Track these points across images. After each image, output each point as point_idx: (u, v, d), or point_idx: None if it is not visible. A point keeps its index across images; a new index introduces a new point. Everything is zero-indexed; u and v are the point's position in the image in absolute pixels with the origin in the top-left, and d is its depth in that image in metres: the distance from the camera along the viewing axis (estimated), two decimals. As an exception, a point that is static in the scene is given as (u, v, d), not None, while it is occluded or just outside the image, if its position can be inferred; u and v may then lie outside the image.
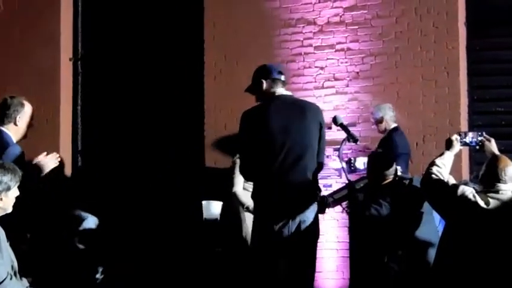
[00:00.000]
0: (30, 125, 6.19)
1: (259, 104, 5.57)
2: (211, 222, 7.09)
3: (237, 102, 7.34)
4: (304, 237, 5.38)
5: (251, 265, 5.52)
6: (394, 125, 8.11)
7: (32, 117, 6.18)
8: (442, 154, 5.94)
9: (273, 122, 5.36)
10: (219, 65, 9.30)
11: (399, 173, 6.54)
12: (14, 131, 6.05)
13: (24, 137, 6.17)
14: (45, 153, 6.12)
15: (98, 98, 10.08)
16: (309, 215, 5.38)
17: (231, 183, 7.47)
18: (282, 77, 5.60)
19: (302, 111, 5.51)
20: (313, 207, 5.41)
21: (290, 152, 5.33)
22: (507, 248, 5.33)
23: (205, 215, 7.17)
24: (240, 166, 5.56)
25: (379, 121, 8.13)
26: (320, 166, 5.63)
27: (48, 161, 6.08)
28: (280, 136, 5.33)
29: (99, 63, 10.12)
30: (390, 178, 6.32)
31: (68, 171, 9.58)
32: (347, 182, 5.73)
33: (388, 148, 7.72)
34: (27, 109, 6.14)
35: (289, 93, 5.64)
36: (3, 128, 6.02)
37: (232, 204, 7.48)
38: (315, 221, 5.45)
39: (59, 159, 6.17)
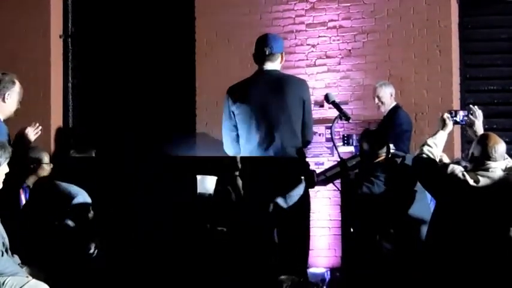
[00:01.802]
0: (18, 106, 6.13)
1: (242, 80, 5.57)
2: (205, 197, 7.06)
3: (229, 79, 7.29)
4: (293, 212, 5.39)
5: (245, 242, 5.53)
6: (395, 102, 8.05)
7: (21, 98, 6.13)
8: (435, 133, 5.94)
9: (251, 98, 5.38)
10: (210, 43, 9.26)
11: (391, 151, 6.52)
12: (1, 108, 5.99)
13: (12, 116, 6.12)
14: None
15: (88, 75, 10.04)
16: (294, 190, 5.37)
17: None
18: (267, 51, 5.59)
19: (282, 87, 5.52)
20: (299, 183, 5.40)
21: (268, 128, 5.33)
22: (497, 225, 5.34)
23: (200, 189, 7.13)
24: (224, 143, 5.57)
25: (388, 98, 7.99)
26: (306, 141, 5.65)
27: (29, 132, 6.08)
28: (258, 113, 5.33)
29: (89, 40, 10.06)
30: (383, 156, 6.30)
31: (59, 148, 9.54)
32: (339, 159, 5.70)
33: (394, 125, 7.69)
34: (17, 88, 6.08)
35: (276, 68, 5.63)
36: (-11, 103, 5.98)
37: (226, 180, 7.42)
38: (304, 196, 5.45)
39: (40, 128, 6.16)
